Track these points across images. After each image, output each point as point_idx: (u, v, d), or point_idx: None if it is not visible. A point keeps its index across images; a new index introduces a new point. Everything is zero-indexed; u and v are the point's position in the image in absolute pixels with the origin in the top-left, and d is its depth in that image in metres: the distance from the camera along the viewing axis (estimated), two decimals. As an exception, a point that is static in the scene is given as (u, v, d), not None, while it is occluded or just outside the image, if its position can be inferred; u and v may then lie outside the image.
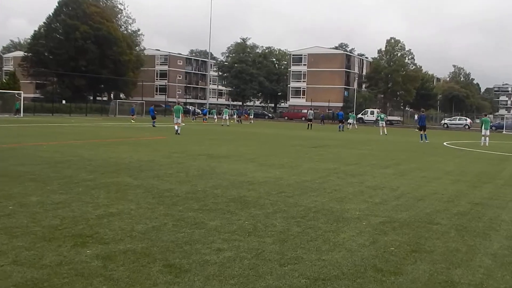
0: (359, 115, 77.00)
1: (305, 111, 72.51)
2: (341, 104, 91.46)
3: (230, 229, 6.70)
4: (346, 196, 9.56)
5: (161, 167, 12.96)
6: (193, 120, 60.59)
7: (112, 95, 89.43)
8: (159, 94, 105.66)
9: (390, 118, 77.20)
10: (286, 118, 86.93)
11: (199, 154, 17.09)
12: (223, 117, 50.89)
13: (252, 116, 63.87)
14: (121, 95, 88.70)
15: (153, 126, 38.36)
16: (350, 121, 53.24)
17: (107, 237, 6.16)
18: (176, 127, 30.42)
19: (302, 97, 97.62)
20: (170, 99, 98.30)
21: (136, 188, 9.62)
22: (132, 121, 48.72)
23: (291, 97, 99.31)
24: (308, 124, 47.44)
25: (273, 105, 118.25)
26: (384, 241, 6.43)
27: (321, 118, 65.53)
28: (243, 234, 6.50)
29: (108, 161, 14.05)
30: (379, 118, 43.19)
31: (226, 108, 54.75)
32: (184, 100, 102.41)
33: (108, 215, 7.30)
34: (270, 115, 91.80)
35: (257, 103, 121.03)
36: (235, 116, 56.81)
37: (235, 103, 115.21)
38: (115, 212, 7.51)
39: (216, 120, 57.89)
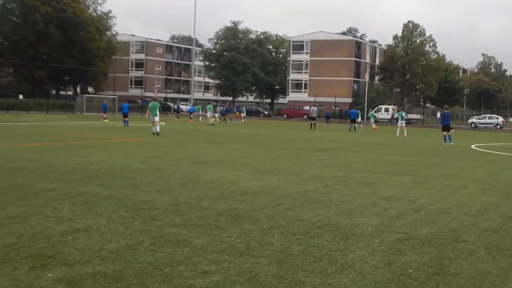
0: (371, 113, 77.32)
1: (307, 108, 72.87)
2: (350, 100, 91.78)
3: (218, 248, 6.72)
4: (356, 209, 9.59)
5: (137, 174, 12.98)
6: (177, 118, 60.67)
7: (78, 89, 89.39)
8: (135, 87, 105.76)
9: (408, 116, 77.55)
10: (285, 116, 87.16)
11: (182, 159, 17.13)
12: (208, 115, 51.33)
13: (244, 114, 63.81)
14: (90, 89, 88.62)
15: (125, 125, 38.61)
16: (371, 120, 56.28)
17: (72, 257, 6.16)
18: (153, 127, 30.58)
19: (303, 91, 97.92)
20: (147, 94, 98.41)
21: (107, 199, 9.64)
22: (105, 119, 48.76)
23: (291, 92, 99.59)
24: (311, 124, 47.67)
25: (269, 100, 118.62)
26: (401, 262, 6.46)
27: (326, 116, 65.72)
28: (234, 253, 6.51)
29: (73, 167, 14.05)
30: (399, 116, 43.21)
31: (209, 104, 55.38)
32: (163, 95, 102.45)
33: (73, 231, 7.30)
34: (266, 112, 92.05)
35: (251, 98, 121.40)
36: (217, 114, 56.73)
37: (224, 98, 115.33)
38: (82, 228, 7.52)
39: (200, 118, 58.11)
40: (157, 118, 31.15)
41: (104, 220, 8.00)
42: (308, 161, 17.96)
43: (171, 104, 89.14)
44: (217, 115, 56.58)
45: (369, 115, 58.50)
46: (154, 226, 7.71)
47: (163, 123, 45.99)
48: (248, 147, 23.38)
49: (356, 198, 10.69)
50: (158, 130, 30.13)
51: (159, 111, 31.95)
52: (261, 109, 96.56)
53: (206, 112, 55.01)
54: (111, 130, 34.34)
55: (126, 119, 39.52)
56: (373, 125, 55.05)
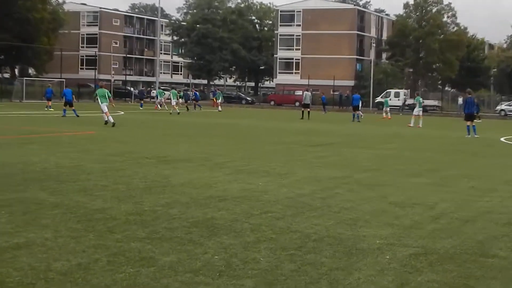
0: (378, 99, 77.62)
1: (300, 93, 72.93)
2: (351, 82, 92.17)
3: (192, 267, 6.70)
4: (361, 217, 9.62)
5: (90, 177, 12.95)
6: (141, 107, 60.60)
7: (16, 70, 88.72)
8: (87, 68, 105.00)
9: (423, 102, 77.80)
10: (272, 103, 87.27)
11: (145, 156, 17.13)
12: (172, 103, 51.73)
13: (220, 101, 63.49)
14: (31, 71, 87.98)
15: (72, 114, 38.47)
16: (385, 109, 56.12)
17: (10, 280, 6.10)
18: (105, 116, 30.61)
19: (295, 73, 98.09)
20: (102, 76, 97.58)
21: (54, 207, 9.61)
22: (49, 108, 48.53)
23: (279, 73, 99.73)
24: (303, 112, 47.65)
25: (253, 84, 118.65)
26: (417, 283, 6.47)
27: (322, 103, 65.92)
28: (211, 274, 6.50)
29: (11, 168, 13.97)
30: (416, 102, 43.19)
31: (173, 89, 55.60)
32: (122, 78, 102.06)
33: (12, 247, 7.25)
34: (249, 99, 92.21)
35: (230, 81, 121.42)
36: (180, 100, 56.93)
37: (197, 81, 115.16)
38: (23, 243, 7.48)
39: (159, 106, 58.29)
40: (105, 106, 31.49)
41: (50, 233, 7.94)
42: (301, 159, 17.99)
43: (132, 89, 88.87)
44: (180, 100, 56.78)
45: (383, 101, 58.66)
46: (112, 241, 7.68)
47: (122, 113, 45.86)
48: (227, 142, 23.41)
49: (360, 204, 10.72)
50: (112, 119, 30.35)
51: (110, 98, 32.32)
52: (242, 95, 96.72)
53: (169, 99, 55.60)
54: (58, 121, 34.24)
55: (73, 108, 39.22)
56: (387, 115, 54.88)
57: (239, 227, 8.64)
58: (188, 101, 60.54)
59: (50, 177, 12.69)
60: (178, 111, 49.88)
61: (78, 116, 37.75)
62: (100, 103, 31.73)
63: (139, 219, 8.95)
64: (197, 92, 68.86)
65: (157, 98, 61.78)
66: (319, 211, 10.01)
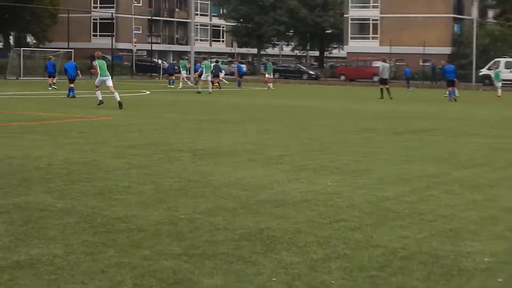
0: (483, 70, 76.56)
1: (379, 64, 72.41)
2: (447, 50, 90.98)
3: (243, 293, 6.70)
4: (464, 228, 9.53)
5: (108, 175, 13.04)
6: (171, 84, 61.07)
7: (11, 38, 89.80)
8: (101, 35, 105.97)
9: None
10: (342, 78, 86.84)
11: (178, 149, 17.23)
12: (183, 74, 52.95)
13: (270, 76, 63.29)
14: (30, 39, 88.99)
15: (70, 96, 39.97)
16: (496, 84, 56.09)
17: (10, 309, 6.13)
18: (100, 94, 32.30)
19: (372, 38, 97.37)
20: (122, 45, 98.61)
21: (63, 215, 9.68)
22: (53, 86, 49.08)
23: (352, 38, 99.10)
24: (382, 90, 47.33)
25: (317, 53, 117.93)
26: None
27: (405, 77, 65.31)
28: (268, 301, 6.48)
29: (7, 164, 14.13)
30: None
31: (182, 59, 56.72)
32: (146, 47, 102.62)
33: (11, 266, 7.29)
34: (311, 73, 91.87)
35: (287, 50, 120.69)
36: (221, 75, 57.94)
37: (244, 51, 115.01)
38: (25, 261, 7.50)
39: (181, 84, 58.98)
40: (109, 82, 32.66)
41: (60, 249, 7.98)
42: (383, 151, 17.92)
43: (160, 61, 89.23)
44: (221, 75, 57.74)
45: (492, 74, 57.74)
46: (138, 258, 7.70)
47: (147, 92, 46.21)
48: (283, 130, 23.42)
49: (463, 211, 10.60)
50: (118, 98, 31.34)
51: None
52: (303, 68, 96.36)
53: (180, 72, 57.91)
54: (65, 104, 34.60)
55: (72, 85, 40.28)
56: (499, 91, 54.35)
57: (302, 241, 8.61)
58: (222, 76, 61.27)
59: (57, 176, 12.76)
60: (200, 88, 50.41)
61: (74, 96, 38.83)
62: (100, 77, 32.66)
63: (172, 230, 8.97)
64: (240, 65, 69.06)
65: (181, 71, 62.28)
66: (407, 219, 9.95)
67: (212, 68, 54.46)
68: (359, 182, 13.02)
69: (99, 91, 32.35)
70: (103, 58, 34.83)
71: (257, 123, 25.58)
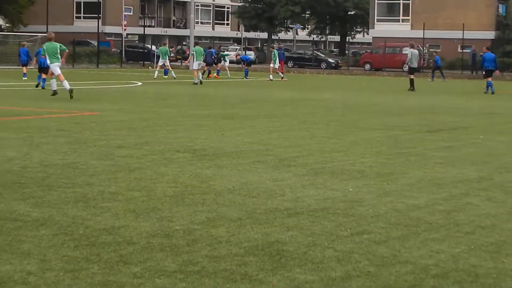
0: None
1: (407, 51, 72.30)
2: (490, 34, 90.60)
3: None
4: (507, 241, 9.50)
5: (92, 180, 13.04)
6: (166, 75, 60.91)
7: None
8: (85, 18, 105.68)
9: None
10: (367, 66, 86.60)
11: (174, 149, 17.28)
12: (160, 63, 56.27)
13: (276, 65, 62.80)
14: (2, 22, 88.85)
15: (40, 87, 39.83)
16: None
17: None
18: (54, 83, 32.23)
19: (403, 20, 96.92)
20: (109, 28, 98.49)
21: (39, 225, 9.68)
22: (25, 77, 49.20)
23: (379, 21, 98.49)
24: (412, 80, 47.23)
25: (337, 39, 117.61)
26: None
27: (435, 67, 65.20)
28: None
29: (-25, 166, 14.12)
30: None
31: (161, 46, 58.09)
32: (138, 31, 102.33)
33: (-22, 286, 7.29)
34: (331, 61, 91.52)
35: (302, 34, 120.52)
36: (226, 63, 58.49)
37: (252, 35, 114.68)
38: (-6, 279, 7.51)
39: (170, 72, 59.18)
40: (57, 69, 32.32)
41: (35, 265, 7.95)
42: (413, 152, 17.87)
43: (154, 47, 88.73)
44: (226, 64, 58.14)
45: None
46: (127, 276, 7.68)
47: (139, 83, 46.16)
48: (296, 127, 23.43)
49: (506, 221, 10.56)
50: (68, 85, 31.59)
51: (60, 55, 32.84)
52: (321, 55, 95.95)
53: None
54: (42, 97, 34.50)
55: (44, 76, 39.61)
56: None
57: (319, 256, 8.59)
58: (219, 64, 62.41)
59: (33, 181, 12.74)
60: (197, 79, 50.47)
61: (43, 88, 38.79)
62: (49, 63, 32.42)
63: (167, 244, 8.96)
64: (248, 57, 69.34)
65: (160, 59, 60.27)
66: (442, 231, 9.93)
67: (203, 54, 54.29)
68: (385, 188, 13.00)
69: (61, 79, 32.45)
70: (51, 39, 34.08)
71: (266, 119, 25.55)
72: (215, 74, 61.16)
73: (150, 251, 8.62)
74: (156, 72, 55.58)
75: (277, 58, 62.44)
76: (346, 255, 8.67)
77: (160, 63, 56.58)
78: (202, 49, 53.73)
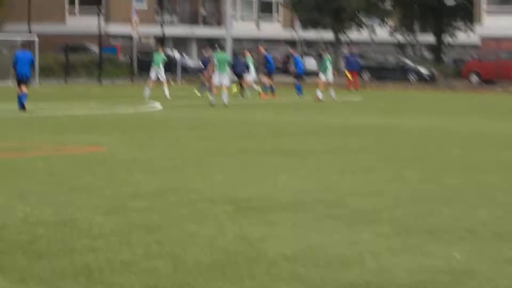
0: None
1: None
2: None
3: None
4: None
5: (97, 244, 11.36)
6: (200, 93, 57.35)
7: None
8: (82, 14, 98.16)
9: None
10: (473, 78, 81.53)
11: (209, 198, 15.47)
12: (152, 76, 50.74)
13: (327, 78, 58.19)
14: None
15: (21, 108, 38.09)
16: None
17: None
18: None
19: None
20: (114, 27, 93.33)
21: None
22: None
23: (489, 14, 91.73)
24: None
25: (431, 39, 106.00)
26: None
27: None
28: None
29: None
30: None
31: (156, 51, 54.51)
32: (154, 31, 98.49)
33: None
34: (422, 71, 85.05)
35: (382, 33, 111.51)
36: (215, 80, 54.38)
37: (310, 36, 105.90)
38: None
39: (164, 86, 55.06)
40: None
41: None
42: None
43: (176, 53, 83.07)
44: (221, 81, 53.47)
45: None
46: None
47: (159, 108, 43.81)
48: (378, 165, 21.20)
49: None
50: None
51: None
52: (409, 63, 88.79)
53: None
54: (26, 125, 32.72)
55: (24, 91, 37.69)
56: None
57: None
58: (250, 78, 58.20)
59: (15, 246, 11.14)
60: (225, 100, 45.38)
61: (24, 109, 36.62)
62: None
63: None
64: (298, 57, 63.22)
65: (152, 70, 54.42)
66: None
67: (230, 63, 49.63)
68: (505, 253, 11.10)
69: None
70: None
71: (335, 156, 23.58)
72: (260, 91, 56.14)
73: None
74: (148, 90, 49.15)
75: (329, 68, 56.75)
76: None
77: (153, 76, 49.85)
78: (227, 57, 49.41)
